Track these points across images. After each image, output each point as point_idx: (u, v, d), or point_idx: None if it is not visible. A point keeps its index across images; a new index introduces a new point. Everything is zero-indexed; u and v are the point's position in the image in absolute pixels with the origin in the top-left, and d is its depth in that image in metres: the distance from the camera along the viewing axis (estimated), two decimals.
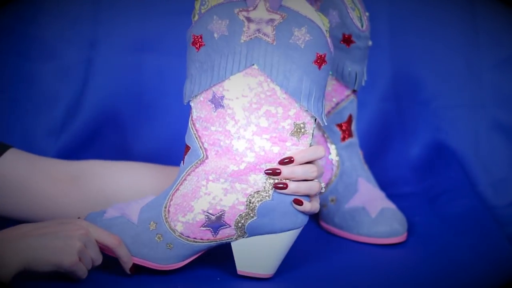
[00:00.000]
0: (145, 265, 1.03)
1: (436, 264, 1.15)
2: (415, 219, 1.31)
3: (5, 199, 1.13)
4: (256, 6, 0.99)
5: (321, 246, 1.21)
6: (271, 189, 1.02)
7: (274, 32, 0.99)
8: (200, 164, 1.02)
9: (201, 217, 1.02)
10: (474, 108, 1.57)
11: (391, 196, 1.30)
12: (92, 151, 1.49)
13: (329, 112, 1.28)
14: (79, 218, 1.04)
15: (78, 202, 1.15)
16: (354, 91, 1.28)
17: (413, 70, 1.59)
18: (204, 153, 1.02)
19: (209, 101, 1.01)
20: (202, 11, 1.00)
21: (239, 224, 1.02)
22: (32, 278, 0.98)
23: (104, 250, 1.02)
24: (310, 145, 1.03)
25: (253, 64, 1.00)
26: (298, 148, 1.02)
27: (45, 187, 1.14)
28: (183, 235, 1.02)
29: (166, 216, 1.02)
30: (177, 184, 1.03)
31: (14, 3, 1.47)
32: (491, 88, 1.57)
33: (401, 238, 1.23)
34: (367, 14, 1.24)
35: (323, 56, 1.00)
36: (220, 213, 1.02)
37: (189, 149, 1.03)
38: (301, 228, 1.04)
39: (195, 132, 1.02)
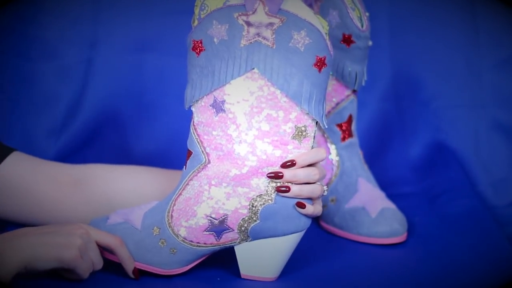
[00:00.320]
0: (149, 270, 1.03)
1: (436, 264, 1.15)
2: (415, 219, 1.31)
3: (8, 202, 1.13)
4: (255, 10, 0.99)
5: (321, 246, 1.21)
6: (274, 192, 1.02)
7: (274, 36, 0.99)
8: (202, 168, 1.02)
9: (204, 222, 1.02)
10: (474, 108, 1.57)
11: (391, 196, 1.30)
12: (92, 151, 1.49)
13: (329, 112, 1.28)
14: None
15: (81, 205, 1.15)
16: (354, 91, 1.28)
17: (413, 70, 1.59)
18: (206, 157, 1.02)
19: (210, 105, 1.01)
20: (202, 16, 1.00)
21: (242, 228, 1.02)
22: (33, 277, 0.98)
23: (105, 255, 1.02)
24: (312, 148, 1.03)
25: (253, 68, 1.00)
26: (300, 151, 1.02)
27: (48, 191, 1.14)
28: (186, 239, 1.02)
29: (169, 221, 1.02)
30: (180, 189, 1.03)
31: (14, 3, 1.47)
32: (491, 88, 1.57)
33: (401, 238, 1.23)
34: (367, 14, 1.24)
35: (323, 59, 1.00)
36: (223, 217, 1.02)
37: (191, 154, 1.03)
38: (304, 231, 1.04)
39: (197, 137, 1.02)
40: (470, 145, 1.55)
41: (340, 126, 1.29)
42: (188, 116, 1.04)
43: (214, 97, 1.01)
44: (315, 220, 1.31)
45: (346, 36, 1.23)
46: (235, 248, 1.04)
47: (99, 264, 1.00)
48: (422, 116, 1.58)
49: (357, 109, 1.31)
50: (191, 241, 1.02)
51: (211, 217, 1.02)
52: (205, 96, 1.01)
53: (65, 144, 1.48)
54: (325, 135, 1.30)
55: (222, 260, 1.08)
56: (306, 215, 1.03)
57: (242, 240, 1.03)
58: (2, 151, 1.14)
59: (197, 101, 1.02)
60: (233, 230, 1.02)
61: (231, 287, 1.04)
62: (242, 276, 1.05)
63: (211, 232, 1.02)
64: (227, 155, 1.01)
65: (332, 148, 1.29)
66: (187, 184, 1.03)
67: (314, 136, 1.03)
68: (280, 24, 0.99)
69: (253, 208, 1.02)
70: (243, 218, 1.02)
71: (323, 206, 1.28)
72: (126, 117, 1.52)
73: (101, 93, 1.51)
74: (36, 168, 1.15)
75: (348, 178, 1.28)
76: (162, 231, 1.02)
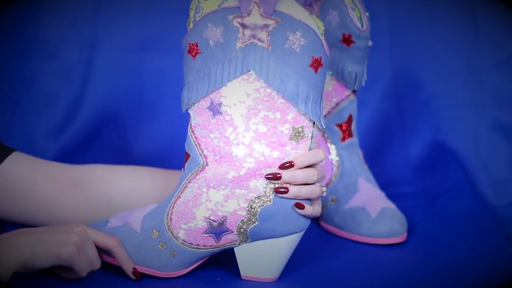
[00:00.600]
0: (149, 273, 1.03)
1: (436, 264, 1.15)
2: (415, 219, 1.31)
3: (8, 202, 1.13)
4: (250, 12, 0.99)
5: (321, 246, 1.21)
6: (272, 193, 1.02)
7: (269, 38, 0.99)
8: (201, 171, 1.02)
9: (203, 224, 1.02)
10: (474, 108, 1.57)
11: (391, 196, 1.30)
12: (92, 151, 1.49)
13: (329, 112, 1.28)
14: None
15: (81, 206, 1.15)
16: (354, 91, 1.28)
17: (413, 70, 1.59)
18: (204, 160, 1.02)
19: (207, 108, 1.01)
20: (197, 18, 1.00)
21: (241, 230, 1.02)
22: (32, 277, 0.98)
23: (104, 257, 1.02)
24: (310, 149, 1.03)
25: (250, 70, 1.00)
26: (298, 152, 1.02)
27: (48, 191, 1.14)
28: (185, 242, 1.02)
29: (169, 224, 1.02)
30: (178, 192, 1.03)
31: (14, 3, 1.47)
32: (491, 88, 1.57)
33: (401, 238, 1.23)
34: (367, 14, 1.24)
35: (319, 59, 1.00)
36: (222, 219, 1.02)
37: (189, 157, 1.03)
38: (304, 231, 1.04)
39: (194, 140, 1.02)
40: (470, 145, 1.55)
41: (340, 126, 1.29)
42: (188, 116, 1.04)
43: (211, 99, 1.01)
44: (315, 220, 1.31)
45: (346, 36, 1.23)
46: (235, 249, 1.04)
47: (97, 262, 1.00)
48: (422, 116, 1.58)
49: (357, 109, 1.31)
50: (191, 243, 1.02)
51: (210, 219, 1.02)
52: (201, 99, 1.01)
53: (65, 144, 1.48)
54: (325, 135, 1.30)
55: (222, 261, 1.08)
56: (305, 216, 1.03)
57: (242, 241, 1.03)
58: (2, 151, 1.14)
59: (194, 103, 1.02)
60: (232, 232, 1.02)
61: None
62: (243, 277, 1.05)
63: (210, 234, 1.02)
64: (225, 157, 1.01)
65: (332, 148, 1.29)
66: (186, 186, 1.03)
67: (312, 137, 1.03)
68: (275, 26, 0.99)
69: (252, 210, 1.02)
70: (242, 220, 1.02)
71: (323, 206, 1.28)
72: (126, 117, 1.52)
73: (101, 93, 1.51)
74: (36, 168, 1.15)
75: (348, 178, 1.28)
76: (162, 234, 1.02)
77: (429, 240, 1.25)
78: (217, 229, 1.02)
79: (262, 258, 1.03)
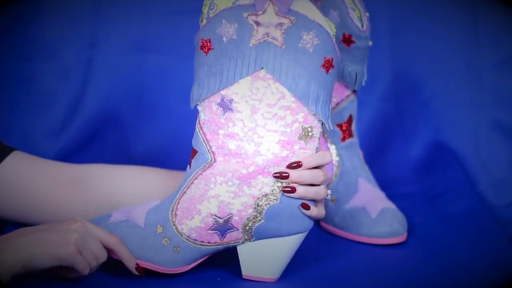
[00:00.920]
0: (151, 268, 1.02)
1: (436, 264, 1.15)
2: (415, 219, 1.31)
3: (7, 201, 1.13)
4: (265, 10, 0.99)
5: (321, 246, 1.21)
6: (279, 192, 1.02)
7: (283, 36, 0.99)
8: (208, 167, 1.02)
9: (209, 220, 1.02)
10: (474, 108, 1.57)
11: (391, 196, 1.30)
12: (92, 151, 1.49)
13: None
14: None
15: (81, 205, 1.15)
16: (354, 91, 1.28)
17: (413, 70, 1.59)
18: (212, 156, 1.02)
19: (217, 104, 1.01)
20: (211, 15, 1.00)
21: (247, 228, 1.02)
22: (33, 278, 0.98)
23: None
24: (316, 149, 1.03)
25: (262, 68, 1.00)
26: (306, 152, 1.02)
27: (48, 190, 1.14)
28: (190, 238, 1.02)
29: (173, 219, 1.02)
30: (184, 187, 1.03)
31: (14, 3, 1.47)
32: (491, 88, 1.57)
33: (401, 238, 1.23)
34: (367, 14, 1.24)
35: (330, 60, 1.00)
36: (228, 216, 1.02)
37: (196, 153, 1.03)
38: (307, 232, 1.04)
39: (203, 136, 1.02)
40: (470, 145, 1.55)
41: (340, 126, 1.29)
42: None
43: (222, 96, 1.01)
44: (316, 220, 1.31)
45: (346, 36, 1.23)
46: (238, 248, 1.04)
47: (102, 255, 0.99)
48: (422, 116, 1.58)
49: (357, 109, 1.31)
50: (195, 239, 1.02)
51: (216, 216, 1.02)
52: (212, 95, 1.01)
53: (65, 144, 1.48)
54: (325, 135, 1.30)
55: (223, 261, 1.08)
56: (309, 217, 1.03)
57: (246, 239, 1.03)
58: (2, 151, 1.14)
59: (203, 100, 1.02)
60: (238, 229, 1.02)
61: None
62: (244, 277, 1.05)
63: (215, 231, 1.02)
64: (233, 154, 1.01)
65: (332, 148, 1.29)
66: (192, 182, 1.03)
67: (319, 138, 1.03)
68: (290, 25, 0.99)
69: (258, 208, 1.02)
70: (248, 218, 1.02)
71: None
72: (126, 117, 1.52)
73: (101, 93, 1.51)
74: (36, 168, 1.15)
75: (348, 178, 1.28)
76: (166, 229, 1.02)
77: (429, 240, 1.25)
78: (223, 226, 1.02)
79: (264, 257, 1.03)
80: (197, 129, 1.03)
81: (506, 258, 1.18)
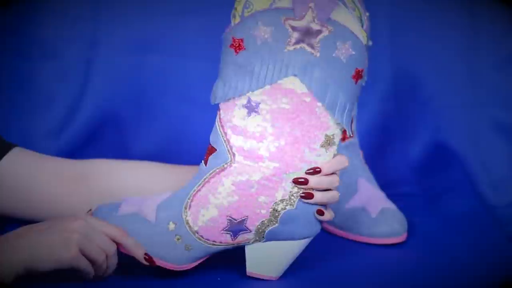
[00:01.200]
0: (159, 264, 1.01)
1: (436, 264, 1.15)
2: (415, 219, 1.31)
3: (10, 198, 1.13)
4: (304, 16, 0.98)
5: (321, 246, 1.21)
6: (296, 198, 1.01)
7: (319, 45, 0.98)
8: (227, 167, 1.01)
9: (223, 221, 1.01)
10: (474, 108, 1.57)
11: (391, 196, 1.30)
12: (92, 151, 1.49)
13: None
14: (90, 210, 1.03)
15: (84, 201, 1.14)
16: None
17: (413, 70, 1.59)
18: (232, 157, 1.01)
19: (243, 106, 1.00)
20: (245, 14, 0.98)
21: (260, 230, 1.02)
22: (38, 279, 0.97)
23: None
24: (334, 155, 1.03)
25: (295, 75, 0.98)
26: (325, 159, 1.02)
27: (51, 186, 1.14)
28: (202, 237, 1.01)
29: (187, 218, 1.01)
30: (199, 185, 1.02)
31: (14, 3, 1.47)
32: (491, 88, 1.57)
33: (401, 238, 1.23)
34: (367, 14, 1.24)
35: (361, 71, 1.00)
36: (243, 218, 1.01)
37: (214, 151, 1.02)
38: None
39: (223, 135, 1.01)
40: (470, 145, 1.55)
41: None
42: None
43: (249, 98, 0.99)
44: None
45: None
46: (246, 247, 1.03)
47: (110, 247, 0.98)
48: (422, 116, 1.58)
49: (357, 109, 1.30)
50: (207, 239, 1.01)
51: (231, 217, 1.01)
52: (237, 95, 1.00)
53: (64, 144, 1.48)
54: None
55: (223, 261, 1.08)
56: (321, 221, 1.03)
57: (256, 240, 1.03)
58: (3, 147, 1.14)
59: (228, 99, 1.01)
60: (251, 231, 1.02)
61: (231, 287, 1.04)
62: (248, 274, 1.04)
63: (228, 232, 1.02)
64: (254, 156, 1.00)
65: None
66: (208, 181, 1.01)
67: (338, 144, 1.03)
68: (327, 34, 0.98)
69: (275, 212, 1.01)
70: (262, 221, 1.01)
71: None
72: (126, 117, 1.52)
73: (101, 93, 1.51)
74: (37, 164, 1.15)
75: (348, 178, 1.28)
76: (179, 228, 1.01)
77: (429, 240, 1.25)
78: (236, 227, 1.01)
79: (271, 257, 1.03)
80: (217, 127, 1.01)
81: (506, 258, 1.17)
